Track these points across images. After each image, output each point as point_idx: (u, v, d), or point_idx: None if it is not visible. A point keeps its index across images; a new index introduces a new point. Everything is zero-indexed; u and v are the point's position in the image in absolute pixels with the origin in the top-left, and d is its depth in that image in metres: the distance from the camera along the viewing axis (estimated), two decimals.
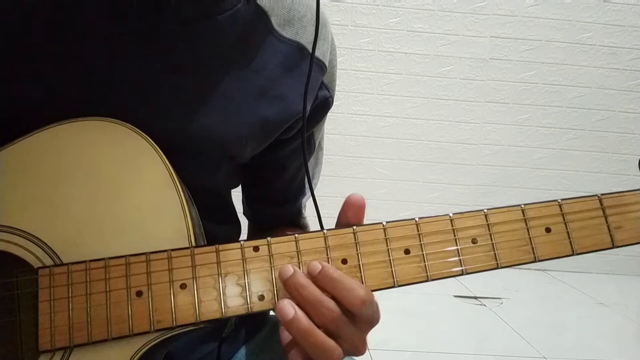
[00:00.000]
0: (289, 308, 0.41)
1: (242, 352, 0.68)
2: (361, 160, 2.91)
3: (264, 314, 0.44)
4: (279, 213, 0.71)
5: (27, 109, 0.49)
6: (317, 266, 0.43)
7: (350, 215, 0.47)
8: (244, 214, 0.74)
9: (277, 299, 0.43)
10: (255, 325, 0.71)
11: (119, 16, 0.49)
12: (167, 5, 0.49)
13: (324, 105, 0.64)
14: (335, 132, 2.85)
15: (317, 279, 0.42)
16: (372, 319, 0.44)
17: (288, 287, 0.42)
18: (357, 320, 0.43)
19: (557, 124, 2.93)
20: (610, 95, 2.90)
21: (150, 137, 0.47)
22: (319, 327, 0.42)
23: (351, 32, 2.80)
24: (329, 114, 0.68)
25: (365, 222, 0.46)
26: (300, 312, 0.41)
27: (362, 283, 0.44)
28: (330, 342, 0.41)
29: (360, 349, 0.44)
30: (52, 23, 0.48)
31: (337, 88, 0.66)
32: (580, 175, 2.97)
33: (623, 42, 2.85)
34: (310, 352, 0.41)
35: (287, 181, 0.68)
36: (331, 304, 0.42)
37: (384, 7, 2.80)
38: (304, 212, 0.73)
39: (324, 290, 0.42)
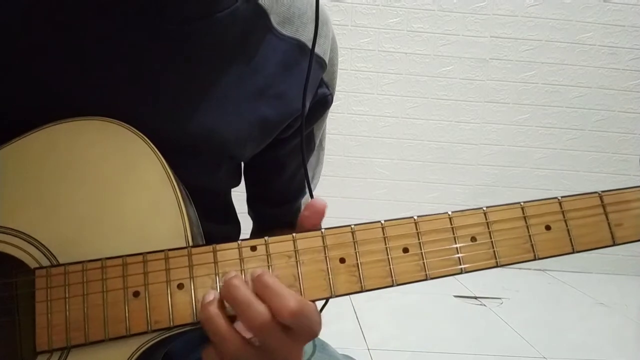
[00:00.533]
0: (211, 292, 0.41)
1: None
2: (361, 160, 2.91)
3: None
4: (279, 213, 0.71)
5: (25, 108, 0.49)
6: (256, 271, 0.41)
7: (310, 220, 0.45)
8: (248, 214, 0.74)
9: None
10: None
11: (118, 15, 0.49)
12: (166, 4, 0.49)
13: (323, 102, 0.64)
14: (335, 132, 2.85)
15: (253, 284, 0.41)
16: (309, 331, 0.41)
17: (223, 289, 0.41)
18: (290, 330, 0.40)
19: (557, 124, 2.93)
20: (610, 95, 2.90)
21: (150, 137, 0.46)
22: (248, 330, 0.40)
23: (351, 32, 2.80)
24: (329, 114, 0.68)
25: (364, 221, 0.46)
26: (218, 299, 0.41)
27: (361, 282, 0.44)
28: (230, 330, 0.40)
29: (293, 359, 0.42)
30: (52, 22, 0.48)
31: (337, 88, 0.66)
32: (580, 175, 2.97)
33: (623, 42, 2.85)
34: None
35: (286, 180, 0.68)
36: (261, 307, 0.39)
37: (384, 7, 2.79)
38: None
39: (259, 297, 0.40)
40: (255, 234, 0.74)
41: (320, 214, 0.46)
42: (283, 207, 0.71)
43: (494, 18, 2.83)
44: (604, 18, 2.83)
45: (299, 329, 0.40)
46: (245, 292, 0.40)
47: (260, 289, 0.40)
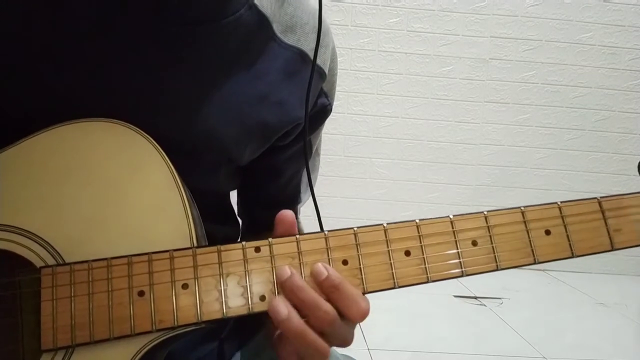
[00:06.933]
0: (282, 308, 0.42)
1: (244, 351, 0.68)
2: (361, 160, 2.91)
3: (264, 314, 0.44)
4: (269, 216, 0.71)
5: (30, 109, 0.50)
6: (322, 272, 0.43)
7: (281, 232, 0.47)
8: (238, 215, 0.75)
9: None
10: (255, 324, 0.71)
11: (120, 16, 0.49)
12: (169, 7, 0.49)
13: (322, 112, 0.64)
14: (335, 132, 2.85)
15: (321, 284, 0.43)
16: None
17: (285, 289, 0.43)
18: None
19: (557, 124, 2.93)
20: (610, 95, 2.91)
21: (152, 138, 0.47)
22: (313, 328, 0.42)
23: (351, 32, 2.81)
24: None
25: (365, 222, 0.46)
26: (293, 312, 0.42)
27: (363, 284, 0.45)
28: (321, 342, 0.42)
29: (349, 341, 0.45)
30: (53, 23, 0.48)
31: (337, 88, 0.66)
32: (580, 175, 2.97)
33: (623, 42, 2.86)
34: (302, 350, 0.43)
35: (281, 186, 0.69)
36: (328, 307, 0.42)
37: (384, 7, 2.80)
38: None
39: (326, 296, 0.43)
40: (244, 235, 0.75)
41: (292, 224, 0.47)
42: (274, 211, 0.71)
43: (494, 18, 2.83)
44: (604, 18, 2.83)
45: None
46: (311, 293, 0.43)
47: (330, 292, 0.43)
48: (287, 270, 0.43)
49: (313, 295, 0.42)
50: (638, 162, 0.53)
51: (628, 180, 2.96)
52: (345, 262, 0.45)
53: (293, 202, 0.71)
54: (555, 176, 2.97)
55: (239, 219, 0.72)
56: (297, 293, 0.42)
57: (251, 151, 0.59)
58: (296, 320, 0.42)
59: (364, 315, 0.43)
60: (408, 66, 2.85)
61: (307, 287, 0.43)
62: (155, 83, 0.51)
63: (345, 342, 0.45)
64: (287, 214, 0.47)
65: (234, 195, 0.69)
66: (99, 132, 0.47)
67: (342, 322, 0.43)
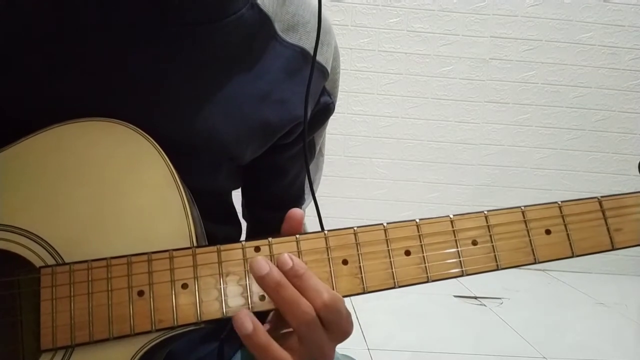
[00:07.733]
0: (248, 322, 0.41)
1: (244, 351, 0.68)
2: (361, 160, 2.91)
3: (264, 313, 0.44)
4: (276, 217, 0.71)
5: (29, 109, 0.50)
6: (287, 262, 0.42)
7: (287, 229, 0.47)
8: (243, 216, 0.74)
9: None
10: None
11: (120, 16, 0.49)
12: (170, 7, 0.49)
13: (325, 110, 0.64)
14: (335, 132, 2.85)
15: (286, 274, 0.42)
16: (344, 330, 0.43)
17: (265, 285, 0.42)
18: (328, 326, 0.42)
19: (557, 124, 2.93)
20: (610, 95, 2.91)
21: (152, 138, 0.47)
22: (293, 327, 0.42)
23: (351, 32, 2.81)
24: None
25: (365, 222, 0.46)
26: (259, 326, 0.41)
27: (363, 284, 0.45)
28: (286, 356, 0.42)
29: (328, 356, 0.44)
30: (55, 24, 0.48)
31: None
32: (580, 175, 2.97)
33: (623, 42, 2.86)
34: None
35: (285, 186, 0.69)
36: (308, 306, 0.41)
37: (384, 7, 2.80)
38: None
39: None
40: (249, 236, 0.74)
41: (299, 222, 0.47)
42: (280, 212, 0.71)
43: (494, 18, 2.83)
44: (604, 18, 2.83)
45: (334, 325, 0.42)
46: (292, 291, 0.41)
47: (294, 280, 0.42)
48: (264, 265, 0.41)
49: (294, 292, 0.41)
50: (639, 162, 0.53)
51: (628, 180, 2.96)
52: (345, 262, 0.45)
53: (297, 203, 0.71)
54: (555, 176, 2.97)
55: (242, 220, 0.72)
56: (279, 290, 0.41)
57: (252, 150, 0.58)
58: (262, 335, 0.41)
59: (326, 306, 0.41)
60: (408, 66, 2.85)
61: (288, 284, 0.41)
62: (156, 83, 0.51)
63: (324, 355, 0.43)
64: (296, 211, 0.47)
65: (236, 196, 0.69)
66: (98, 132, 0.46)
67: (320, 326, 0.42)
